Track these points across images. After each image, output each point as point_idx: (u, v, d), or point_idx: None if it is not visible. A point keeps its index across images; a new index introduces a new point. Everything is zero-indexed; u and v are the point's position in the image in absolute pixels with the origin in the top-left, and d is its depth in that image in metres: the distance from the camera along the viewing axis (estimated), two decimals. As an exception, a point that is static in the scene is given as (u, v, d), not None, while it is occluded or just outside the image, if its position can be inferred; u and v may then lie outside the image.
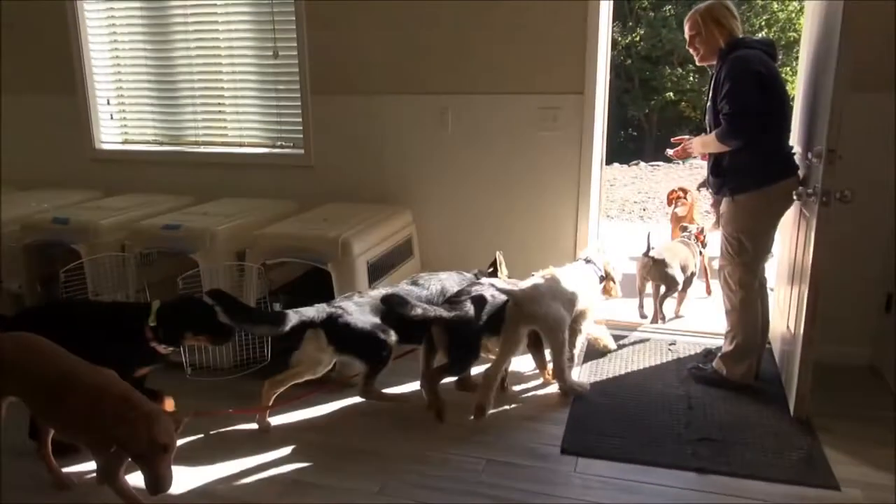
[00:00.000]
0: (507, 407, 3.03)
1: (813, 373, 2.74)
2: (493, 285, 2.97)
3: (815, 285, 2.66)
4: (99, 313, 2.75)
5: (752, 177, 2.84)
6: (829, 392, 2.99)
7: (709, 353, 3.41)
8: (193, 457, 2.65)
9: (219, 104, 4.22)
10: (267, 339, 3.21)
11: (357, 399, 3.09)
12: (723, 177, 2.95)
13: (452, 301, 2.91)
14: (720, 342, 3.27)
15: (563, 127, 3.53)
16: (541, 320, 2.94)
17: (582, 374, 3.32)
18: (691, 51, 3.03)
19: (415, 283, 3.07)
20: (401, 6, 3.63)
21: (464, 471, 2.57)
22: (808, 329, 2.70)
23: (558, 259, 3.62)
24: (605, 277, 3.32)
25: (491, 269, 3.33)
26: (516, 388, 3.20)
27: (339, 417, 2.97)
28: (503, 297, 2.96)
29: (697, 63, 3.08)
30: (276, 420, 2.92)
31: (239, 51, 4.09)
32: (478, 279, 3.17)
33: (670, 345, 3.64)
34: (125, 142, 4.45)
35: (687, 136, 3.27)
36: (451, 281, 3.14)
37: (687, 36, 3.01)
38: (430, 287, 3.05)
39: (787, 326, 3.05)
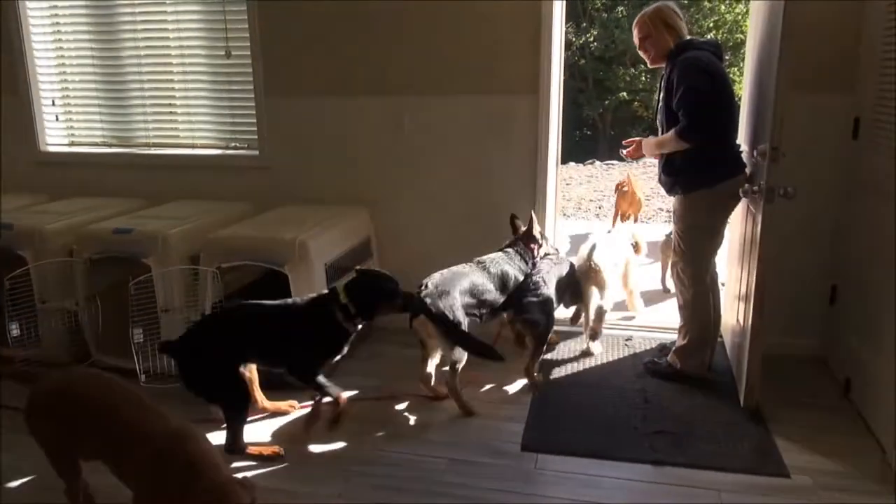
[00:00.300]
0: (470, 403, 3.04)
1: (763, 364, 2.82)
2: (552, 261, 3.38)
3: (762, 279, 2.73)
4: (290, 312, 2.75)
5: (702, 175, 2.91)
6: (778, 382, 3.08)
7: (664, 348, 3.48)
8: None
9: (170, 105, 4.12)
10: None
11: (309, 402, 3.07)
12: (675, 176, 3.01)
13: (529, 293, 3.13)
14: (674, 337, 3.34)
15: (518, 127, 3.56)
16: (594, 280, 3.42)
17: (542, 368, 3.35)
18: (642, 53, 3.09)
19: (484, 268, 3.14)
20: (354, 7, 3.61)
21: (426, 471, 2.57)
22: (755, 322, 2.78)
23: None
24: (636, 246, 3.96)
25: (524, 230, 3.40)
26: (479, 389, 3.21)
27: (299, 422, 2.94)
28: (567, 267, 3.42)
29: (649, 65, 3.15)
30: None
31: (190, 50, 4.01)
32: (524, 257, 3.30)
33: (626, 340, 3.71)
34: (72, 144, 4.32)
35: (640, 138, 3.33)
36: (504, 263, 3.21)
37: (637, 39, 3.07)
38: (495, 270, 3.14)
39: (738, 319, 3.14)
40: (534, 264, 3.31)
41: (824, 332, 3.40)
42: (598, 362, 3.45)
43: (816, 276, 3.37)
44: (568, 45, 14.36)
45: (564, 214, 8.22)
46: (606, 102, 15.69)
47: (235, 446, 2.60)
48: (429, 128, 3.69)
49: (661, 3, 3.00)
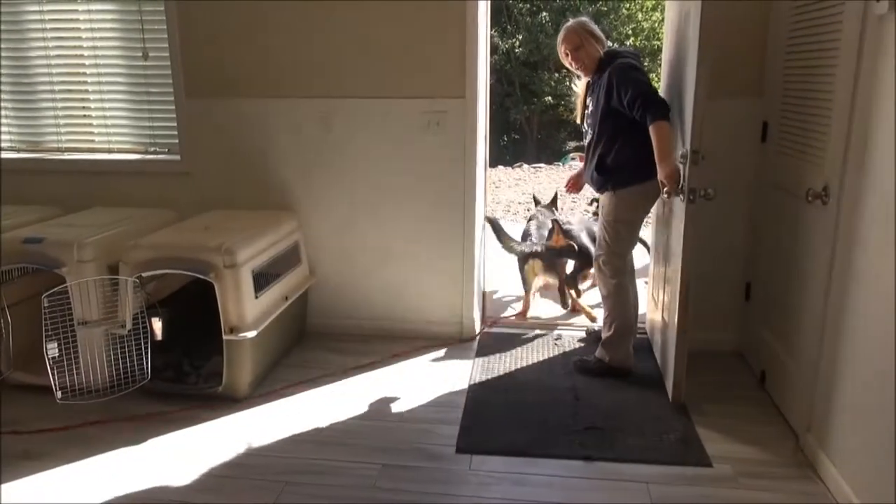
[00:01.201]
0: (402, 411, 3.04)
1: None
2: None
3: (686, 278, 2.84)
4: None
5: (633, 173, 3.05)
6: (699, 375, 3.20)
7: (591, 333, 3.72)
8: (71, 476, 2.49)
9: (83, 108, 3.95)
10: (146, 355, 3.04)
11: (242, 412, 3.00)
12: (608, 174, 3.15)
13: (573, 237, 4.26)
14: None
15: (447, 131, 3.57)
16: None
17: (474, 371, 3.38)
18: (574, 65, 3.21)
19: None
20: (277, 7, 3.54)
21: (360, 477, 2.54)
22: (681, 319, 2.88)
23: (447, 259, 3.67)
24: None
25: (551, 200, 5.03)
26: (413, 392, 3.21)
27: (225, 432, 2.86)
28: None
29: (584, 76, 3.28)
30: (155, 439, 2.78)
31: (104, 51, 3.84)
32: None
33: (556, 339, 3.79)
34: (-25, 149, 4.08)
35: (573, 174, 3.63)
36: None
37: (568, 52, 3.18)
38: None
39: (662, 317, 3.25)
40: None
41: (741, 327, 3.56)
42: (530, 362, 3.51)
43: (732, 273, 3.52)
44: (494, 49, 14.56)
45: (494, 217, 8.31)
46: (532, 106, 15.99)
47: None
48: (356, 132, 3.66)
49: (579, 18, 3.23)
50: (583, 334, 3.81)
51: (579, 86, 3.41)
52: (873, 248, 2.19)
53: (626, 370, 3.29)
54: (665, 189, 2.88)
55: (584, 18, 3.23)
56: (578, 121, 3.49)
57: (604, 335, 3.34)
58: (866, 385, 2.22)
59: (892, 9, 2.10)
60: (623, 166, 3.08)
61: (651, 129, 2.89)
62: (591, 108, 3.21)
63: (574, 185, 3.61)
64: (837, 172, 2.43)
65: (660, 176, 2.89)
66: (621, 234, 3.19)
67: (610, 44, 3.31)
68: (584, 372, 3.36)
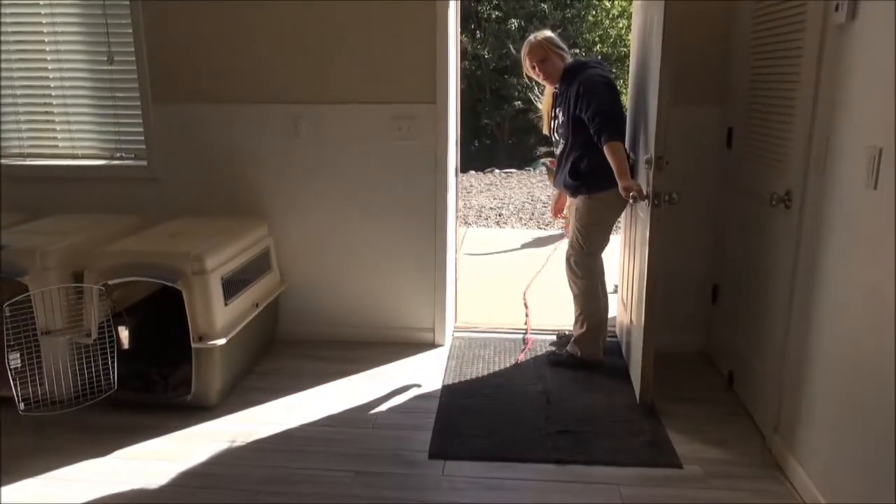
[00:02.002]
0: (375, 417, 3.02)
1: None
2: None
3: (652, 280, 2.88)
4: None
5: (606, 178, 3.10)
6: (668, 377, 3.25)
7: (562, 337, 3.73)
8: (35, 491, 2.43)
9: (46, 113, 3.86)
10: (113, 364, 2.98)
11: (212, 420, 2.96)
12: (581, 179, 3.22)
13: None
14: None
15: (417, 136, 3.58)
16: None
17: (446, 376, 3.39)
18: (541, 76, 3.30)
19: None
20: (245, 10, 3.52)
21: (333, 484, 2.53)
22: (648, 321, 2.92)
23: (419, 264, 3.67)
24: None
25: None
26: (385, 398, 3.20)
27: (195, 441, 2.82)
28: None
29: (549, 86, 3.38)
30: (123, 450, 2.73)
31: (67, 55, 3.77)
32: None
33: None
34: (-67, 154, 3.97)
35: (557, 195, 3.74)
36: None
37: (534, 64, 3.27)
38: None
39: (631, 320, 3.29)
40: None
41: (708, 329, 3.62)
42: (501, 366, 3.52)
43: (699, 276, 3.59)
44: (463, 53, 14.64)
45: (466, 222, 8.34)
46: (503, 111, 16.08)
47: None
48: (327, 137, 3.64)
49: (542, 31, 3.32)
50: (553, 338, 3.84)
51: (543, 98, 3.48)
52: (835, 251, 2.25)
53: (598, 363, 3.41)
54: (631, 194, 2.94)
55: (547, 31, 3.33)
56: (545, 131, 3.57)
57: (575, 332, 3.44)
58: (832, 385, 2.27)
59: (851, 17, 2.16)
60: (596, 171, 3.14)
61: (606, 150, 3.02)
62: (561, 118, 3.29)
63: (560, 209, 3.79)
64: (800, 177, 2.49)
65: (620, 188, 3.00)
66: (594, 236, 3.29)
67: (576, 51, 3.37)
68: (557, 364, 3.47)
